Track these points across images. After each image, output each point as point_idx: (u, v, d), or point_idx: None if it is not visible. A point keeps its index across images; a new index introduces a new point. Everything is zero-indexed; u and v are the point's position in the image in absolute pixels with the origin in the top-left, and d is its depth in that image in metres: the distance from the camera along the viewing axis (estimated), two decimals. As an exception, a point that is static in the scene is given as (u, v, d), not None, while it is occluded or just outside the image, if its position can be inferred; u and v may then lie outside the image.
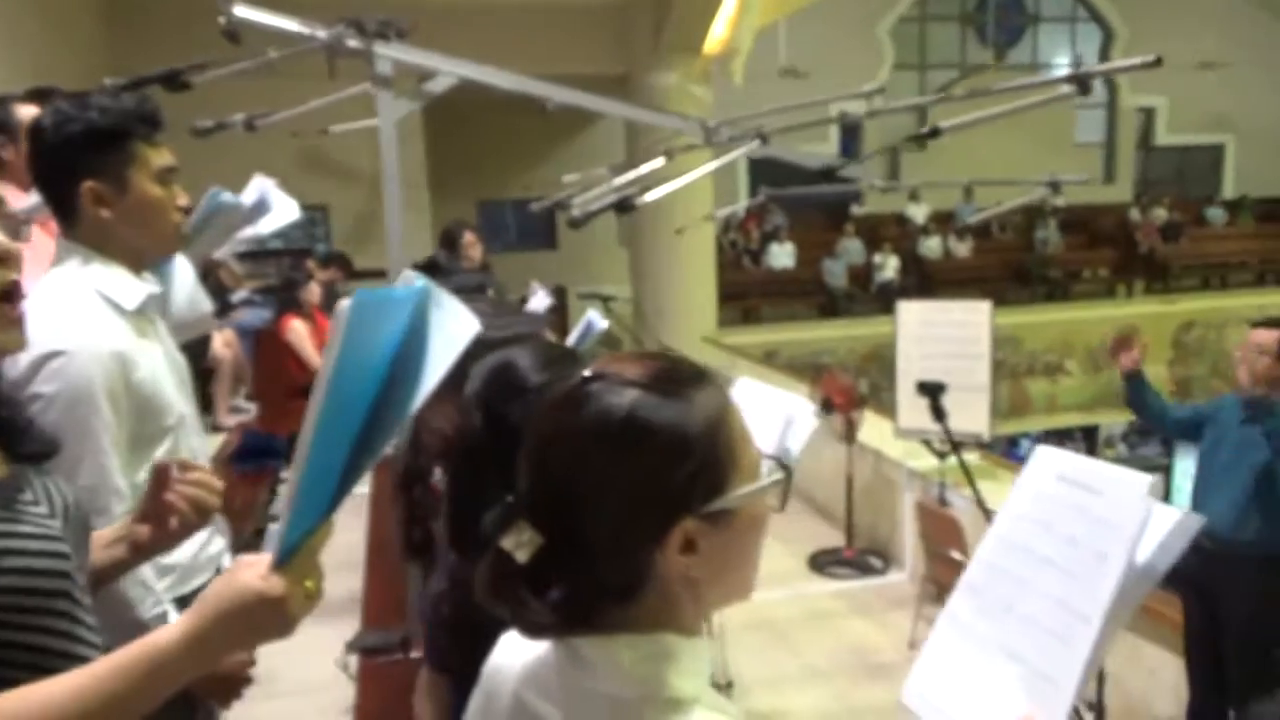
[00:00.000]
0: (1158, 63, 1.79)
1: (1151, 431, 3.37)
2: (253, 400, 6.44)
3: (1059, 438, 12.88)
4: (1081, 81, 1.87)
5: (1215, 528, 3.07)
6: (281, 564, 0.88)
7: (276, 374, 5.96)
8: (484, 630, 1.15)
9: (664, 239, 9.01)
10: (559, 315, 8.37)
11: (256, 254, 8.16)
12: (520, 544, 0.79)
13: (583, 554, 0.78)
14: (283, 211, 2.35)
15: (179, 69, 2.25)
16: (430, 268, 4.55)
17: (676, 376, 0.81)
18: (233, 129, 3.16)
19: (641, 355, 0.84)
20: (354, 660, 3.15)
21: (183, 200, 1.67)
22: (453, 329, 0.99)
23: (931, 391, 3.49)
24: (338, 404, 0.86)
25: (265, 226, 2.37)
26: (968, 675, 1.04)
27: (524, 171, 11.98)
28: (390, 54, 2.29)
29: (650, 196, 2.48)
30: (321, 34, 2.27)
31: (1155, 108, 15.58)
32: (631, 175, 3.04)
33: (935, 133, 2.05)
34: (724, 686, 3.65)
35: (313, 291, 6.13)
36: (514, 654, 0.91)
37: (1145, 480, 0.97)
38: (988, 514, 3.25)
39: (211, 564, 1.80)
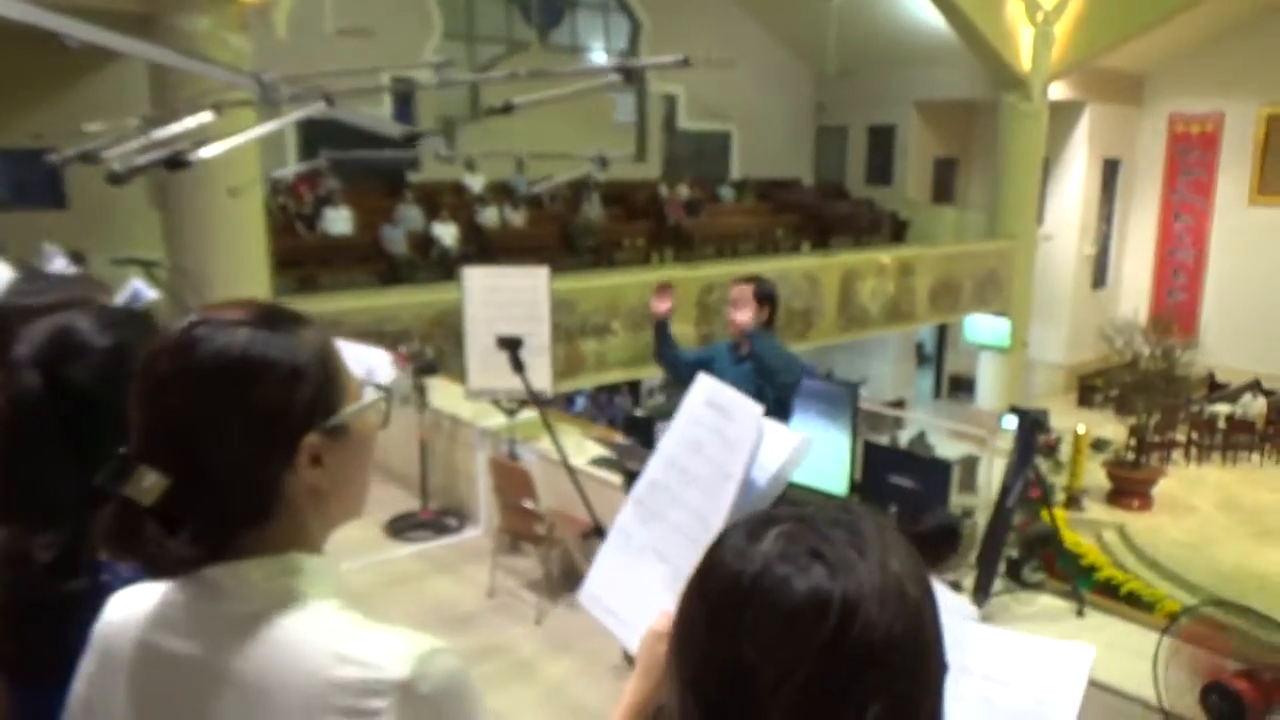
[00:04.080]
0: (686, 63, 2.09)
1: (676, 379, 3.96)
2: None
3: (609, 392, 14.09)
4: (627, 72, 2.10)
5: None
6: None
7: None
8: (39, 612, 1.05)
9: (205, 201, 8.22)
10: (81, 285, 7.27)
11: None
12: (144, 489, 0.80)
13: (214, 484, 0.82)
14: None
15: None
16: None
17: (280, 315, 0.89)
18: None
19: (240, 301, 0.89)
20: None
21: None
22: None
23: (511, 345, 3.68)
24: None
25: None
26: (629, 577, 1.16)
27: (16, 114, 10.13)
28: None
29: (206, 153, 2.28)
30: None
31: (676, 95, 17.53)
32: (176, 129, 2.77)
33: (509, 108, 2.17)
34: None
35: None
36: (129, 607, 0.90)
37: (758, 406, 1.11)
38: (565, 465, 3.49)
39: None
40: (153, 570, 0.84)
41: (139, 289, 2.93)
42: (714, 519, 1.08)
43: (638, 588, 1.14)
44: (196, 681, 0.83)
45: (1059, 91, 16.29)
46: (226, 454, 0.82)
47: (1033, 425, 3.30)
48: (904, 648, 0.66)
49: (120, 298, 2.91)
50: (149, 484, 0.80)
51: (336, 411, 0.88)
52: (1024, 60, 15.26)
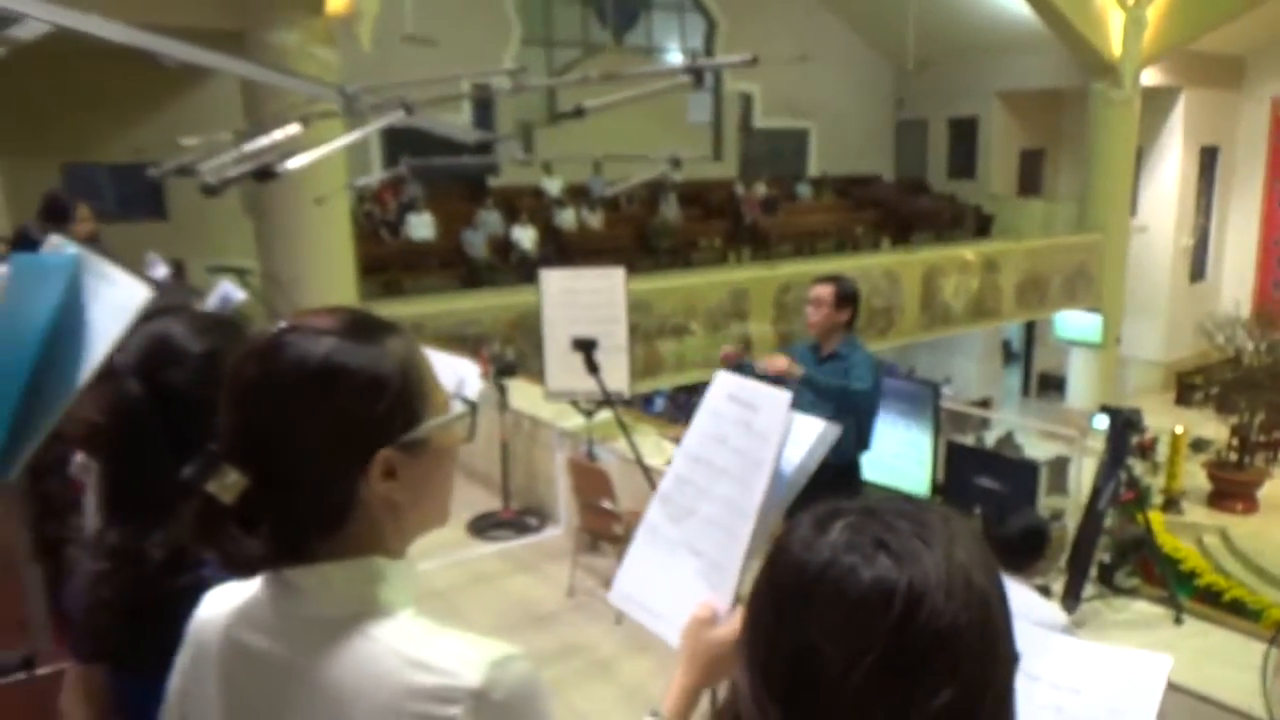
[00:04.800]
0: (754, 61, 2.09)
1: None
2: None
3: (688, 392, 14.07)
4: (696, 73, 2.10)
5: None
6: None
7: None
8: (150, 608, 1.11)
9: (295, 209, 8.49)
10: (180, 293, 7.59)
11: None
12: (225, 486, 0.82)
13: (290, 488, 0.84)
14: None
15: None
16: (20, 240, 3.96)
17: (367, 324, 0.89)
18: None
19: (332, 309, 0.90)
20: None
21: None
22: (116, 297, 0.95)
23: (585, 347, 3.73)
24: None
25: None
26: (662, 573, 1.17)
27: (122, 131, 10.62)
28: (-37, -10, 1.97)
29: (293, 164, 2.37)
30: None
31: (752, 94, 17.42)
32: (265, 141, 2.87)
33: (580, 111, 2.19)
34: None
35: None
36: (221, 603, 0.93)
37: (786, 396, 1.13)
38: (641, 464, 3.50)
39: None
40: (229, 566, 0.87)
41: (228, 292, 3.05)
42: (748, 507, 1.09)
43: (671, 582, 1.15)
44: (277, 678, 0.86)
45: (1151, 77, 15.66)
46: (302, 459, 0.83)
47: (1125, 425, 3.18)
48: (971, 635, 0.67)
49: (210, 300, 3.04)
50: (230, 482, 0.83)
51: (418, 424, 0.88)
52: (1114, 46, 14.71)
